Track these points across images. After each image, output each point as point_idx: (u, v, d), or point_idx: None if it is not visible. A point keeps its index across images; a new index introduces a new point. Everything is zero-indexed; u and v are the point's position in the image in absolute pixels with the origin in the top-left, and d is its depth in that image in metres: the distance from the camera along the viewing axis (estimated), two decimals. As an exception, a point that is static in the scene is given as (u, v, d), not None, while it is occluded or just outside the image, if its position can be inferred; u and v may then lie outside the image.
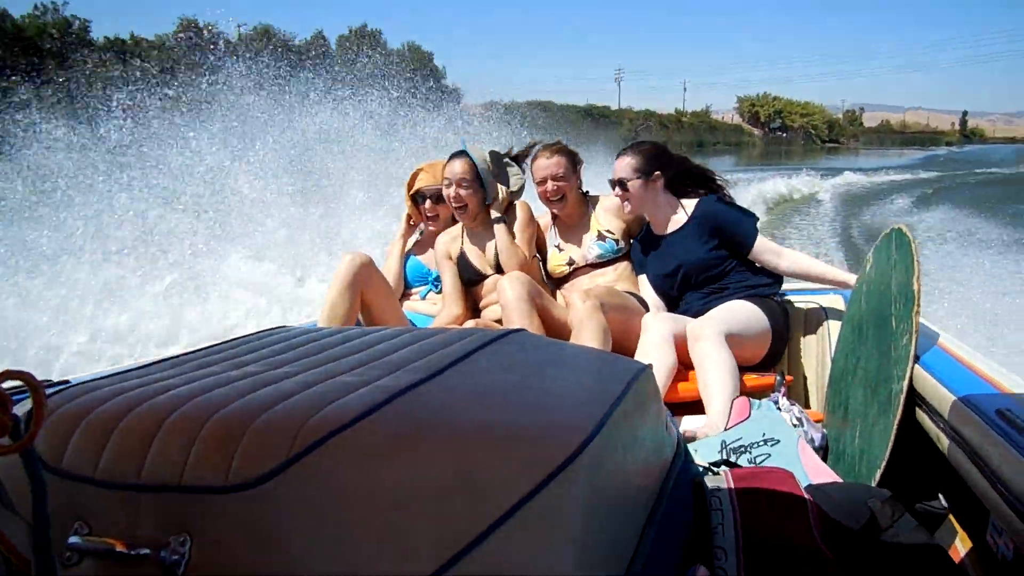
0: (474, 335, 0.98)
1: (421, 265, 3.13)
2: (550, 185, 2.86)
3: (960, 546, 1.65)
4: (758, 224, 2.79)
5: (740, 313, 2.53)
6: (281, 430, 0.67)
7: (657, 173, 2.76)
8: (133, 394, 0.77)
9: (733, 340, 2.42)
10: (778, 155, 61.97)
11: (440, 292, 3.06)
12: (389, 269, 3.09)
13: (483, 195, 2.90)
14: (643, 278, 2.90)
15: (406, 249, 3.18)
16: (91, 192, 6.39)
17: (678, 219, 2.80)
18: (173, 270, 5.80)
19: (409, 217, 3.18)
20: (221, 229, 6.55)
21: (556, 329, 2.63)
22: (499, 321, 2.83)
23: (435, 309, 3.03)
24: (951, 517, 1.77)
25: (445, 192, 2.89)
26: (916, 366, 1.79)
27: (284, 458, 0.65)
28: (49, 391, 0.80)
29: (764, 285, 2.68)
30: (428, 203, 3.05)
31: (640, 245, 2.91)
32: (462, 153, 2.91)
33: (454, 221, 3.12)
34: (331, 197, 7.63)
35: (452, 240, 3.01)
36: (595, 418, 0.71)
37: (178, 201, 6.74)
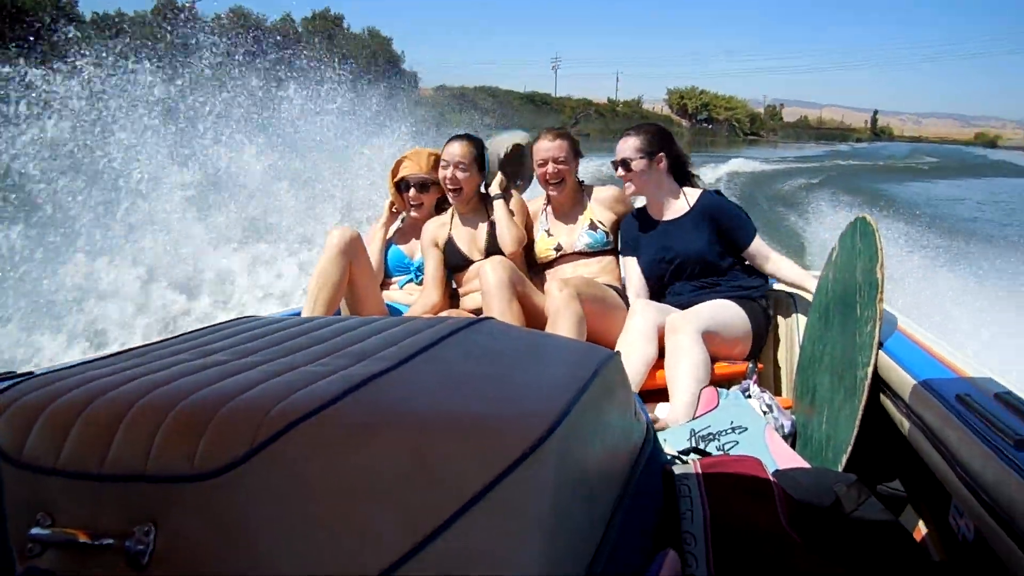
0: (443, 323, 0.98)
1: (402, 255, 3.11)
2: (551, 167, 2.86)
3: (923, 528, 1.69)
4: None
5: (724, 313, 2.55)
6: (246, 419, 0.66)
7: (661, 155, 2.76)
8: (96, 383, 0.76)
9: (712, 339, 2.45)
10: (704, 144, 66.10)
11: (420, 283, 3.05)
12: (370, 257, 3.03)
13: (479, 180, 2.92)
14: (631, 260, 2.88)
15: (387, 238, 3.16)
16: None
17: (679, 206, 2.79)
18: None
19: (392, 205, 3.15)
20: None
21: (535, 316, 2.63)
22: (477, 311, 2.83)
23: (413, 298, 3.02)
24: (914, 500, 1.81)
25: (441, 174, 2.89)
26: (880, 352, 1.82)
27: (248, 447, 0.64)
28: (9, 382, 0.78)
29: (753, 287, 2.71)
30: (412, 191, 3.03)
31: (634, 224, 2.89)
32: (462, 136, 2.93)
33: (438, 210, 3.11)
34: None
35: (440, 227, 3.00)
36: (561, 405, 0.71)
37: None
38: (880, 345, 1.83)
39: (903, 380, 1.67)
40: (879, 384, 1.82)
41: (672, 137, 2.89)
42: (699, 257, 2.69)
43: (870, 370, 1.77)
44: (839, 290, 2.16)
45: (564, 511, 0.67)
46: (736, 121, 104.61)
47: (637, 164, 2.74)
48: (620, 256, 2.96)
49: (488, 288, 2.54)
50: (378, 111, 10.03)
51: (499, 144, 3.01)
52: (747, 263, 2.78)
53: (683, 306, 2.62)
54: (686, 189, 2.83)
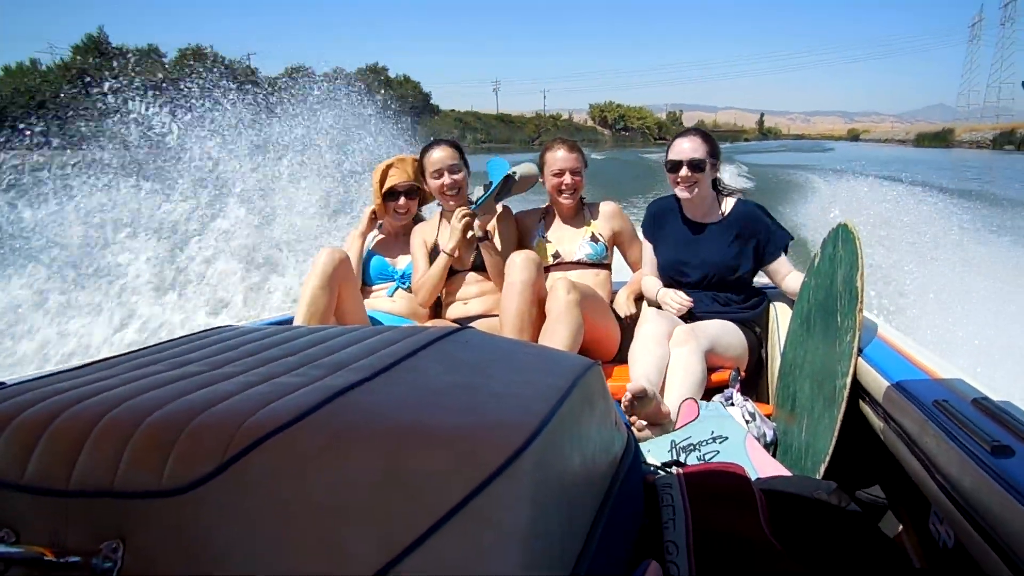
0: (421, 333, 0.97)
1: (385, 263, 3.09)
2: (568, 178, 2.87)
3: (904, 534, 1.69)
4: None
5: (727, 336, 2.55)
6: (217, 433, 0.65)
7: (716, 162, 2.75)
8: (64, 396, 0.74)
9: (711, 357, 2.46)
10: (624, 146, 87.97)
11: (408, 289, 3.04)
12: None
13: (465, 176, 2.95)
14: (649, 246, 2.89)
15: (365, 246, 3.13)
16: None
17: (714, 212, 2.77)
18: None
19: (373, 213, 3.10)
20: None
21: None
22: (460, 320, 2.81)
23: (397, 307, 3.00)
24: (895, 506, 1.82)
25: (436, 184, 2.89)
26: (860, 359, 1.83)
27: (218, 462, 0.63)
28: None
29: (756, 308, 2.72)
30: (403, 199, 3.03)
31: (665, 214, 2.86)
32: (440, 141, 2.95)
33: (414, 222, 3.13)
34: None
35: (430, 232, 3.01)
36: (540, 416, 0.71)
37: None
38: (860, 352, 1.84)
39: (882, 387, 1.68)
40: (859, 391, 1.83)
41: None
42: (724, 268, 2.67)
43: (849, 379, 1.78)
44: (820, 298, 2.17)
45: (543, 523, 0.66)
46: (647, 128, 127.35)
47: (707, 166, 2.69)
48: (642, 237, 2.95)
49: (514, 281, 2.53)
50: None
51: (524, 173, 2.95)
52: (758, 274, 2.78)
53: (691, 316, 2.63)
54: (720, 196, 2.81)
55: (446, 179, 2.86)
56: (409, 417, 0.69)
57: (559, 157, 2.89)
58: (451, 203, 2.91)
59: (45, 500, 0.66)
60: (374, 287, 3.09)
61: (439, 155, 2.88)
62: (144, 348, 0.99)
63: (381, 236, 3.19)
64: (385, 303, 3.02)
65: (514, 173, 2.85)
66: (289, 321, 2.70)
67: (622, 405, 2.16)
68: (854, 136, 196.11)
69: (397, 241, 3.14)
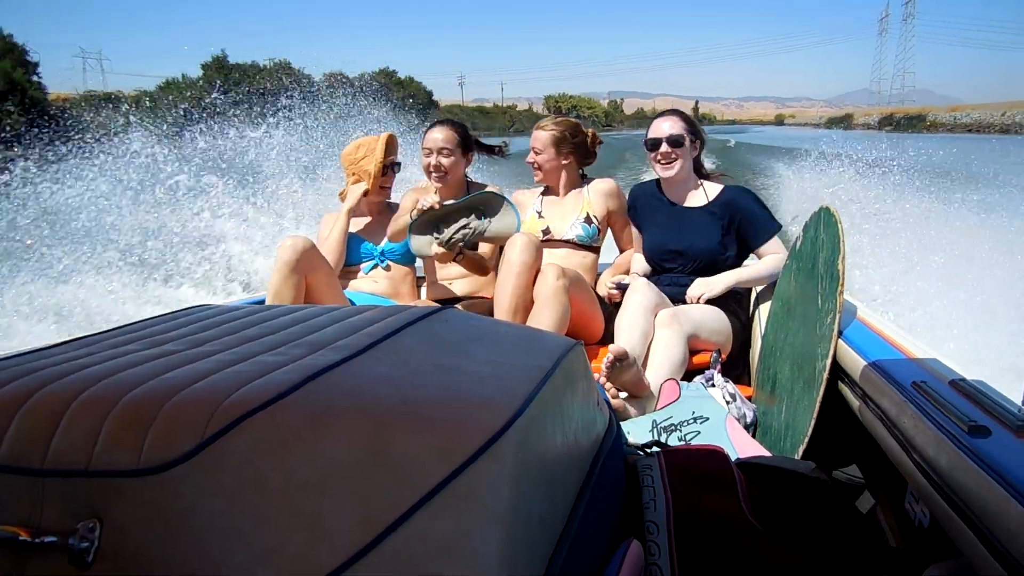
0: (402, 312, 0.96)
1: (363, 241, 3.08)
2: (434, 159, 2.89)
3: (880, 513, 1.72)
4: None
5: (712, 322, 2.55)
6: (195, 411, 0.64)
7: (698, 140, 2.75)
8: (40, 374, 0.73)
9: (694, 341, 2.46)
10: None
11: (387, 268, 3.03)
12: (331, 247, 2.99)
13: (465, 163, 2.95)
14: (634, 232, 2.91)
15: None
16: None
17: (698, 196, 2.76)
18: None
19: (366, 192, 3.07)
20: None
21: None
22: (443, 302, 2.80)
23: (380, 287, 2.99)
24: (872, 486, 1.84)
25: (425, 162, 2.89)
26: (840, 341, 1.84)
27: (198, 440, 0.62)
28: None
29: (741, 292, 2.72)
30: (391, 172, 3.10)
31: (649, 199, 2.85)
32: (444, 121, 2.95)
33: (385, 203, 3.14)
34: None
35: (425, 194, 2.93)
36: (521, 396, 0.70)
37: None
38: (840, 334, 1.85)
39: (861, 369, 1.70)
40: (838, 372, 1.84)
41: None
42: (706, 252, 2.67)
43: (828, 362, 1.79)
44: (802, 280, 2.18)
45: (525, 503, 0.66)
46: (596, 116, 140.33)
47: (686, 142, 2.69)
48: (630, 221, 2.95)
49: (512, 263, 2.50)
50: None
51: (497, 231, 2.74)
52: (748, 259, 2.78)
53: (676, 298, 2.63)
54: (704, 182, 2.80)
55: (433, 159, 2.86)
56: (391, 397, 0.68)
57: (538, 137, 2.96)
58: (436, 184, 2.90)
59: (20, 479, 0.65)
60: (355, 266, 3.07)
61: (436, 135, 2.89)
62: (121, 327, 0.98)
63: (358, 216, 3.16)
64: (367, 283, 3.00)
65: (486, 221, 2.64)
66: (262, 302, 2.67)
67: (602, 367, 2.16)
68: (780, 121, 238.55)
69: (376, 219, 3.13)
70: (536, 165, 2.97)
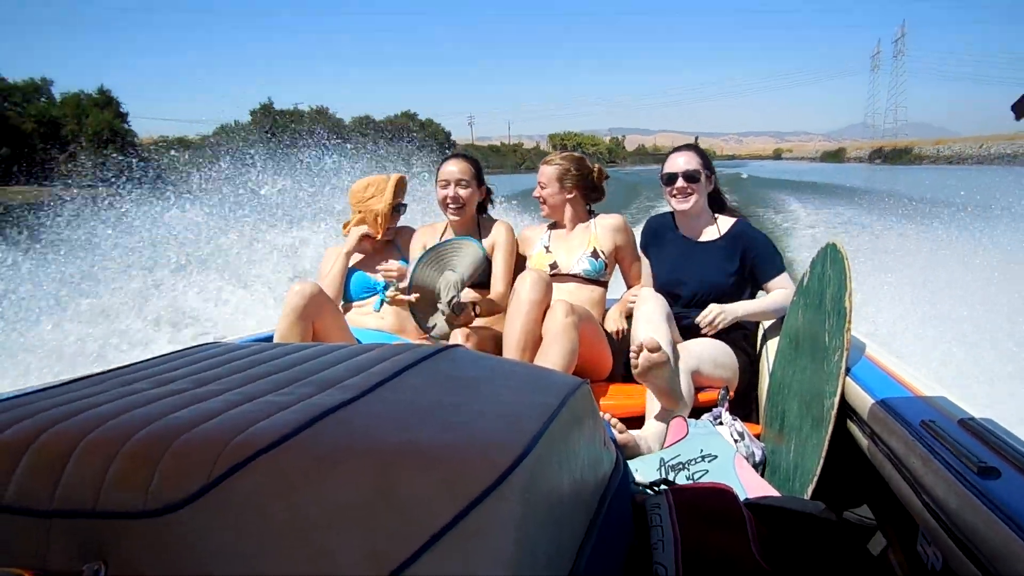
0: (409, 351, 0.96)
1: (367, 278, 3.09)
2: (451, 190, 2.93)
3: (892, 556, 1.69)
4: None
5: (718, 357, 2.54)
6: (203, 452, 0.64)
7: (711, 175, 2.78)
8: (48, 414, 0.73)
9: (698, 376, 2.44)
10: None
11: (392, 301, 3.03)
12: (331, 284, 3.04)
13: (479, 196, 2.99)
14: (647, 263, 2.92)
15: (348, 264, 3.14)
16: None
17: (710, 231, 2.78)
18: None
19: (365, 235, 3.13)
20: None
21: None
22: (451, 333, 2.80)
23: (386, 323, 3.00)
24: (883, 527, 1.81)
25: (441, 194, 2.94)
26: (848, 379, 1.83)
27: (205, 481, 0.62)
28: None
29: (749, 327, 2.72)
30: (396, 215, 3.15)
31: (662, 232, 2.87)
32: (459, 155, 3.02)
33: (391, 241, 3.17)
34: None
35: (432, 233, 3.03)
36: (528, 436, 0.70)
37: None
38: (848, 372, 1.84)
39: (869, 407, 1.69)
40: (846, 411, 1.83)
41: None
42: (716, 286, 2.67)
43: (837, 400, 1.78)
44: (809, 317, 2.18)
45: (531, 544, 0.65)
46: (600, 153, 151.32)
47: (703, 177, 2.72)
48: (640, 251, 2.96)
49: (520, 301, 2.51)
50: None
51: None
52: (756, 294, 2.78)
53: (686, 331, 2.62)
54: (718, 216, 2.82)
55: (450, 191, 2.90)
56: (398, 437, 0.68)
57: (546, 171, 2.99)
58: (452, 216, 2.95)
59: (26, 520, 0.65)
60: (355, 303, 3.09)
61: (451, 168, 2.93)
62: (129, 365, 0.98)
63: (361, 252, 3.19)
64: (372, 320, 3.01)
65: (457, 296, 2.68)
66: (269, 338, 2.68)
67: (631, 363, 2.12)
68: (778, 155, 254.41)
69: (378, 255, 3.15)
70: (542, 199, 3.00)
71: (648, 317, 2.41)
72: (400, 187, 3.14)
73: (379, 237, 3.13)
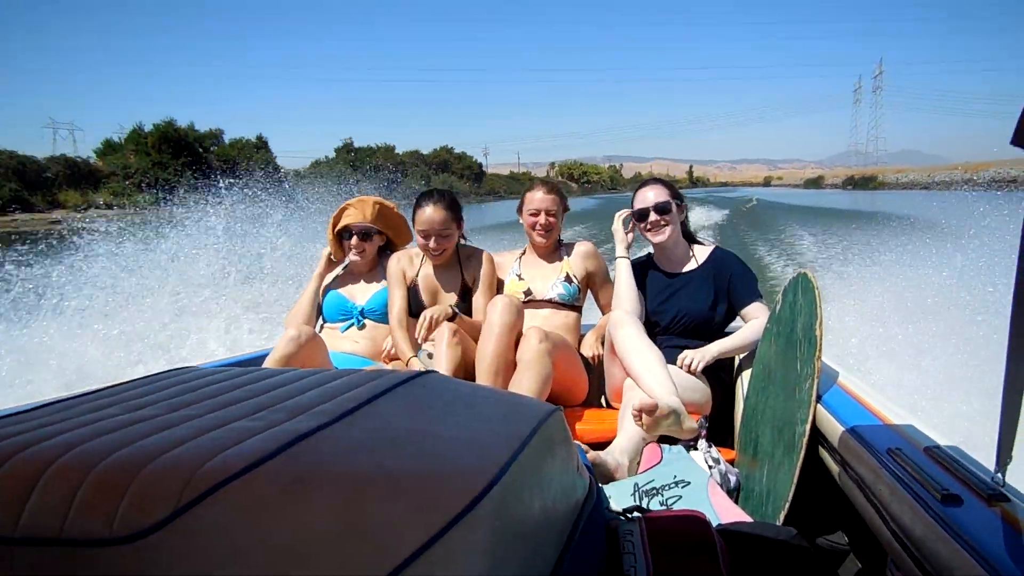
0: (382, 377, 0.96)
1: (344, 300, 3.08)
2: (543, 219, 2.92)
3: None
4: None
5: (692, 383, 2.56)
6: (170, 479, 0.64)
7: (682, 204, 2.81)
8: (14, 440, 0.72)
9: None
10: (589, 194, 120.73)
11: (362, 327, 3.03)
12: (301, 307, 3.08)
13: (459, 234, 2.95)
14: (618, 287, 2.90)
15: (324, 284, 3.16)
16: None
17: (688, 262, 2.83)
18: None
19: (329, 255, 3.17)
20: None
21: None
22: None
23: (358, 347, 2.99)
24: (856, 552, 1.83)
25: (421, 243, 2.87)
26: (819, 407, 1.86)
27: (173, 508, 0.62)
28: None
29: (726, 360, 2.73)
30: (355, 239, 3.04)
31: (643, 273, 2.88)
32: (433, 199, 2.85)
33: (380, 254, 3.16)
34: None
35: (409, 264, 2.99)
36: (500, 462, 0.71)
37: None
38: (819, 399, 1.86)
39: (839, 434, 1.71)
40: (818, 438, 1.85)
41: None
42: (700, 318, 2.71)
43: (808, 427, 1.80)
44: (781, 345, 2.21)
45: (501, 571, 0.66)
46: (603, 181, 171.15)
47: (673, 208, 2.76)
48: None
49: (492, 324, 2.52)
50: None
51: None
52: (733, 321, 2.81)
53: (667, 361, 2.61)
54: (694, 246, 2.87)
55: (432, 243, 2.83)
56: (368, 463, 0.69)
57: (536, 198, 2.96)
58: (433, 261, 2.92)
59: None
60: (329, 324, 3.09)
61: (428, 215, 2.82)
62: (99, 390, 0.97)
63: (345, 273, 3.20)
64: (347, 343, 3.00)
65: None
66: (263, 358, 2.66)
67: (635, 422, 2.11)
68: (767, 182, 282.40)
69: (360, 279, 3.14)
70: (549, 226, 2.95)
71: (648, 368, 2.36)
72: (344, 213, 3.05)
73: (334, 259, 3.17)
